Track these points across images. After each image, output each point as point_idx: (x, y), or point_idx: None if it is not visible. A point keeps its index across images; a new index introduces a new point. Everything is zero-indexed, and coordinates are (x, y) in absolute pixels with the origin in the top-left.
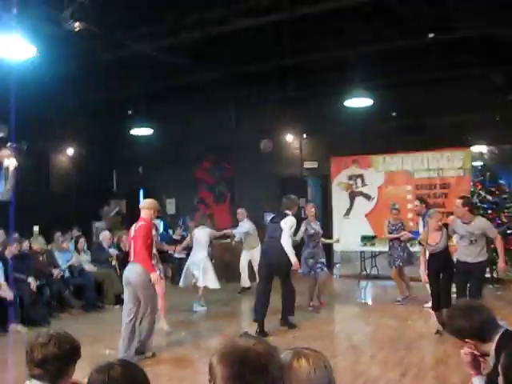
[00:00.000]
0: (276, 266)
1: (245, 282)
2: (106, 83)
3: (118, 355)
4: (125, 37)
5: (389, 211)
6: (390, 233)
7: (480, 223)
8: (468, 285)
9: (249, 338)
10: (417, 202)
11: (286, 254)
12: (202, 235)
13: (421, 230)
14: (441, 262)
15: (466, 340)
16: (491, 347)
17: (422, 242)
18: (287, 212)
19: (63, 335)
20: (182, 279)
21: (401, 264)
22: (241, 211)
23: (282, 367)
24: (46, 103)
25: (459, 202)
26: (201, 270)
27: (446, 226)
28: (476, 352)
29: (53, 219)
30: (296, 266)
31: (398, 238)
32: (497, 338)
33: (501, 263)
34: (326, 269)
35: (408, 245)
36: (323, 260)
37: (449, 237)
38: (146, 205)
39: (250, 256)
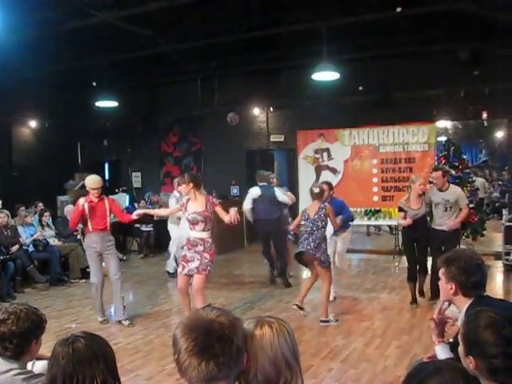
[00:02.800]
0: None
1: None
2: (70, 53)
3: (83, 329)
4: (89, 5)
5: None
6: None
7: (455, 190)
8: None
9: (212, 309)
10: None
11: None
12: None
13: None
14: (418, 231)
15: (453, 283)
16: (464, 305)
17: (403, 207)
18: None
19: (24, 312)
20: None
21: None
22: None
23: (245, 337)
24: (6, 73)
25: (439, 173)
26: None
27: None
28: (446, 317)
29: (15, 193)
30: None
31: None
32: (470, 301)
33: (451, 221)
34: None
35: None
36: None
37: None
38: None
39: None
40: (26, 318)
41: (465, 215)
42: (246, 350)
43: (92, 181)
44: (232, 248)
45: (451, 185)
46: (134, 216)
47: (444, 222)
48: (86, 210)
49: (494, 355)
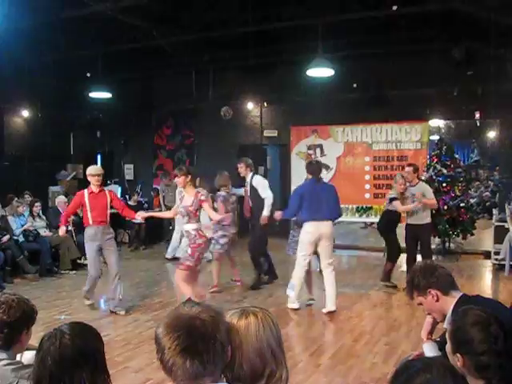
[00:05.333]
0: None
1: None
2: (65, 43)
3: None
4: None
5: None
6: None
7: (422, 186)
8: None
9: (192, 305)
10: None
11: None
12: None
13: None
14: (390, 224)
15: (429, 290)
16: (449, 306)
17: (397, 197)
18: None
19: (16, 301)
20: None
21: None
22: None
23: (228, 330)
24: (0, 61)
25: (410, 169)
26: None
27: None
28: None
29: (7, 183)
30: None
31: None
32: (455, 300)
33: (407, 207)
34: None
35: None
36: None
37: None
38: None
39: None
40: (17, 308)
41: (430, 201)
42: (231, 341)
43: (93, 168)
44: None
45: (421, 182)
46: (138, 217)
47: (415, 216)
48: (87, 201)
49: (482, 352)
